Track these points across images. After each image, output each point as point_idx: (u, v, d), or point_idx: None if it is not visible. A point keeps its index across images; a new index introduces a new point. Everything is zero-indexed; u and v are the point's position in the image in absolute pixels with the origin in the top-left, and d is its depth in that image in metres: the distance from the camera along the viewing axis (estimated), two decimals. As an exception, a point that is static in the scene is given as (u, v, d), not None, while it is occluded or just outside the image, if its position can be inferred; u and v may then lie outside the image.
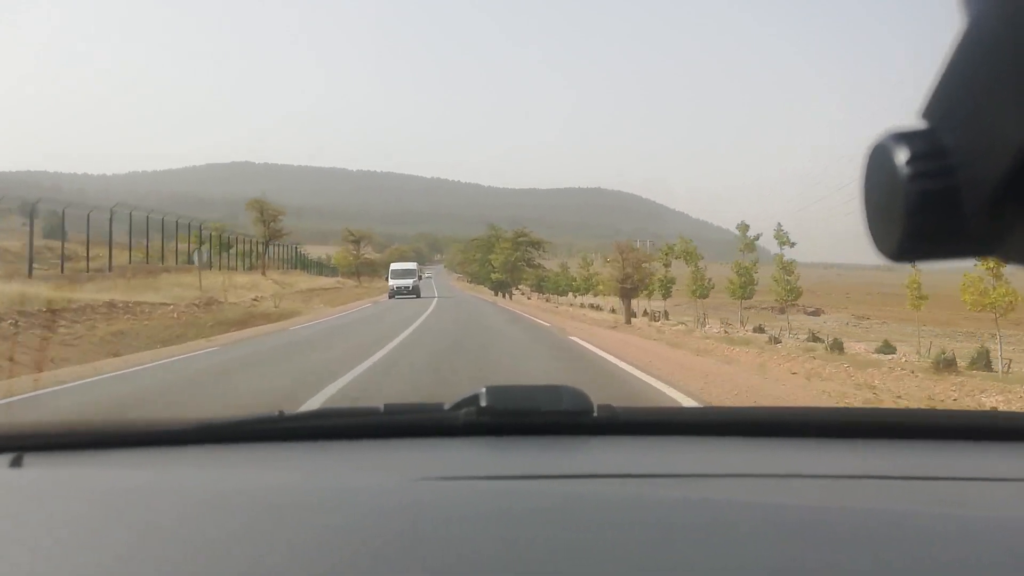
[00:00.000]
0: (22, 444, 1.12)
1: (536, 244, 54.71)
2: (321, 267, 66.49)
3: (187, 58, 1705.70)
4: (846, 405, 6.07)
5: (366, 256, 69.48)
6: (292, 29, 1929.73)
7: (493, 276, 52.97)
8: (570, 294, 49.01)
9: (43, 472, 1.03)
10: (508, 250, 52.22)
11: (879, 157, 0.34)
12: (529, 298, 54.00)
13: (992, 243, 0.31)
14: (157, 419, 1.56)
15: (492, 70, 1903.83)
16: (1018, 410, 6.49)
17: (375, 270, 72.68)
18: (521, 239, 54.38)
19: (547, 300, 48.17)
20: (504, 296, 51.28)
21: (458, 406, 1.15)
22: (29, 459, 1.04)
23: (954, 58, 0.32)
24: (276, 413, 1.22)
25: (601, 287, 40.51)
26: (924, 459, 1.12)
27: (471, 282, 77.52)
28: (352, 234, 70.29)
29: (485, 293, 55.51)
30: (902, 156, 0.32)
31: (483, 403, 1.13)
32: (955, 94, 0.32)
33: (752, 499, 0.85)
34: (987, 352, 12.90)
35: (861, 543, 0.61)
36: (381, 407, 1.21)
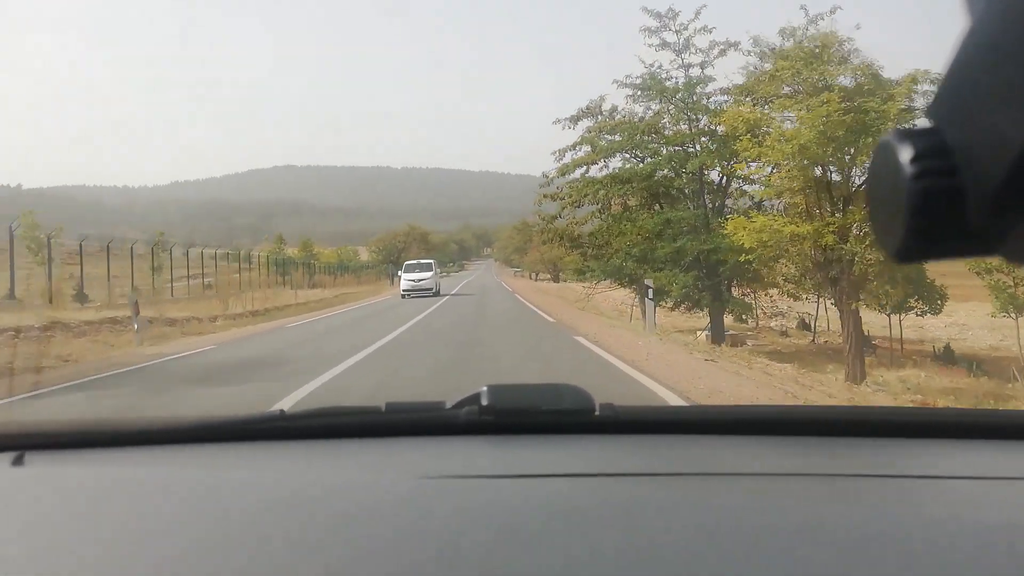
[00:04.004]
0: (23, 443, 1.13)
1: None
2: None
3: (225, 66, 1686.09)
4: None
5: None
6: (328, 29, 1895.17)
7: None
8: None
9: (44, 471, 1.03)
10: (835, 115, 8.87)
11: (884, 155, 0.34)
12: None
13: (995, 242, 0.31)
14: (158, 418, 1.46)
15: (531, 52, 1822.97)
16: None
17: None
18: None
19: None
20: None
21: (459, 405, 1.15)
22: (30, 458, 1.05)
23: (959, 58, 0.32)
24: (277, 412, 1.24)
25: None
26: (928, 458, 1.11)
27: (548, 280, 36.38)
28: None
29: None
30: (906, 154, 0.32)
31: (484, 402, 1.12)
32: (960, 93, 0.32)
33: (754, 497, 0.84)
34: None
35: (864, 542, 0.61)
36: (382, 406, 1.19)
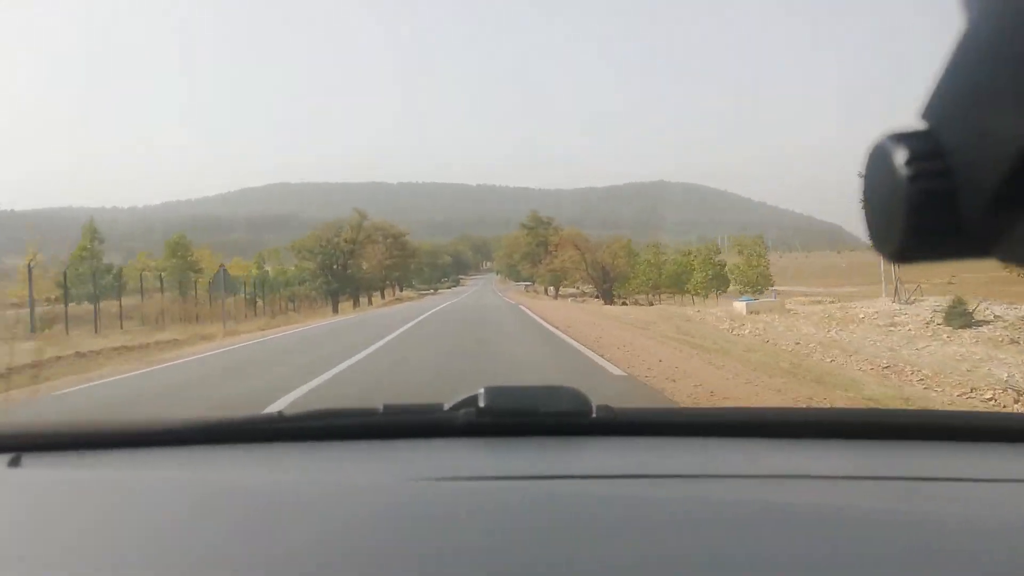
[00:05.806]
0: (20, 444, 1.12)
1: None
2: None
3: (216, 84, 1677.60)
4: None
5: None
6: (320, 41, 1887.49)
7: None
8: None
9: (41, 472, 1.02)
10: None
11: (879, 157, 0.34)
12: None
13: (991, 243, 0.31)
14: (155, 419, 1.40)
15: (530, 63, 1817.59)
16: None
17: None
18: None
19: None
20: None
21: (457, 407, 1.16)
22: (27, 459, 1.05)
23: (954, 59, 0.32)
24: (275, 413, 1.23)
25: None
26: (925, 460, 1.10)
27: None
28: None
29: None
30: (901, 156, 0.32)
31: (482, 404, 1.13)
32: (955, 95, 0.32)
33: (751, 499, 0.85)
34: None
35: (861, 544, 0.62)
36: (380, 407, 1.19)
